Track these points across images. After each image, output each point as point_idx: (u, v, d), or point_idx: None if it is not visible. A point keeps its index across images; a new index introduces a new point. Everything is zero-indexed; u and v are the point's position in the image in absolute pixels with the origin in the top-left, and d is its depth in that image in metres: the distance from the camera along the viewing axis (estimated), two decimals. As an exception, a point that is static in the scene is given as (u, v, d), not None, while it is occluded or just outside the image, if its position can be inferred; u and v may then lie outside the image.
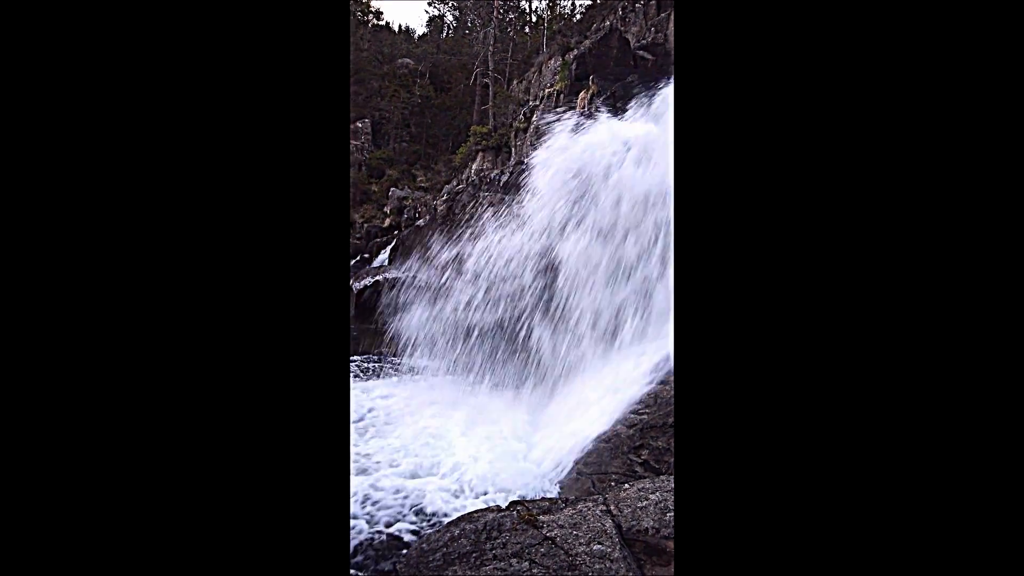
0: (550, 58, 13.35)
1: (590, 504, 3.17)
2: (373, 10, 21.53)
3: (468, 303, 6.99)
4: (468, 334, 6.88)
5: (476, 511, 3.39)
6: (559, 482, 4.74)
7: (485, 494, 4.66)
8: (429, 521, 4.35)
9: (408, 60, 19.35)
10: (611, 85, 9.97)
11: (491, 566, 2.80)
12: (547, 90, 12.18)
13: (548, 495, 4.48)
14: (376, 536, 4.17)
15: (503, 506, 3.40)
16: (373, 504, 4.52)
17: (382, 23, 23.19)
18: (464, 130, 15.76)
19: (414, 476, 4.96)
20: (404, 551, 3.90)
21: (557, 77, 11.99)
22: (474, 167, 13.72)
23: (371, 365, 8.19)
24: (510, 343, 6.56)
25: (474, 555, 2.94)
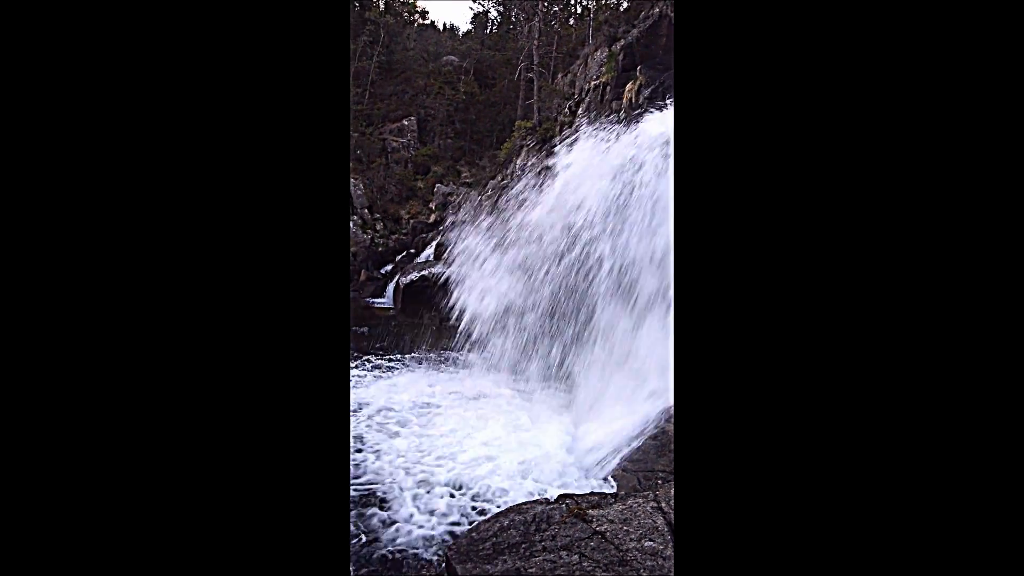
0: (596, 49, 13.16)
1: (640, 500, 3.13)
2: (419, 10, 21.90)
3: (516, 294, 7.01)
4: (515, 327, 6.91)
5: (525, 503, 3.42)
6: (603, 478, 4.71)
7: (523, 486, 4.69)
8: (476, 511, 4.41)
9: (453, 57, 19.56)
10: (660, 75, 9.72)
11: (540, 557, 2.82)
12: (593, 83, 12.01)
13: (591, 491, 4.45)
14: (421, 527, 4.27)
15: (551, 499, 3.41)
16: (417, 497, 4.64)
17: (427, 22, 23.56)
18: (508, 125, 15.79)
19: (458, 468, 5.05)
20: (452, 541, 3.98)
21: (603, 69, 11.80)
22: (518, 162, 13.74)
23: (420, 358, 8.37)
24: (557, 336, 6.54)
25: (523, 546, 2.97)
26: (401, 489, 4.68)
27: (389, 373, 7.60)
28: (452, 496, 4.61)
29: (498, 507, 4.24)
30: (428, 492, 4.63)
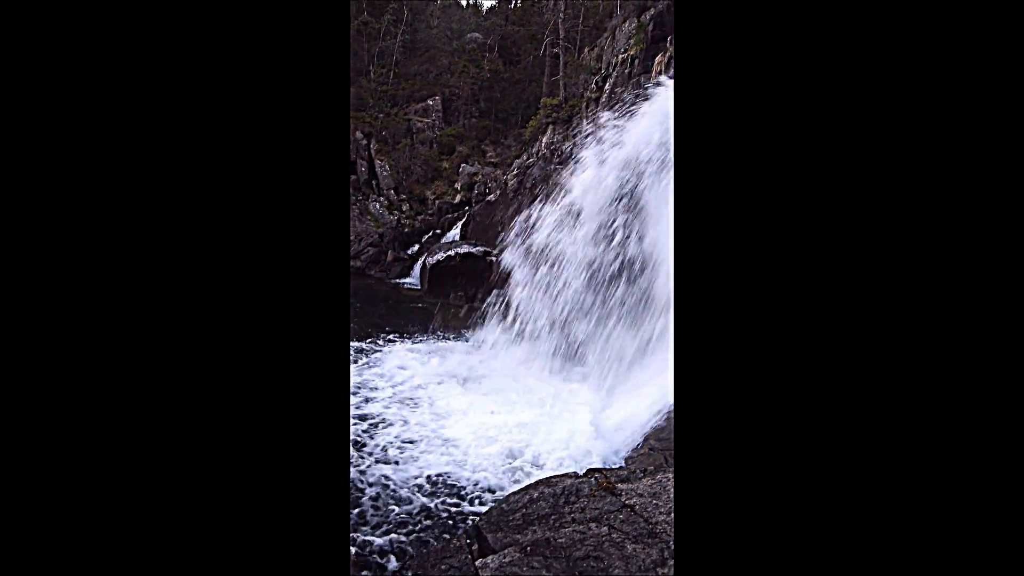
0: (624, 20, 12.77)
1: (669, 475, 3.15)
2: (443, -14, 21.60)
3: (545, 272, 7.02)
4: (545, 306, 6.93)
5: (553, 476, 3.48)
6: (628, 456, 4.74)
7: (543, 464, 4.76)
8: (501, 487, 4.51)
9: (477, 34, 19.29)
10: (690, 47, 9.38)
11: (570, 528, 2.88)
12: (620, 56, 11.70)
13: (620, 466, 4.49)
14: (447, 501, 4.40)
15: (580, 473, 3.47)
16: (442, 472, 4.76)
17: (451, 1, 23.23)
18: (534, 103, 15.57)
19: (486, 443, 5.15)
20: (481, 512, 4.09)
21: (632, 41, 11.46)
22: (544, 140, 13.57)
23: (446, 337, 8.49)
24: (588, 315, 6.54)
25: (553, 517, 3.03)
26: (424, 465, 4.81)
27: (414, 352, 7.74)
28: (480, 472, 4.72)
29: (516, 482, 4.33)
30: (454, 469, 4.75)
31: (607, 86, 11.81)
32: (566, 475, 3.46)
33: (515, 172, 12.79)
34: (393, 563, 3.69)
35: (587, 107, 12.32)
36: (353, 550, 3.76)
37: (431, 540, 3.85)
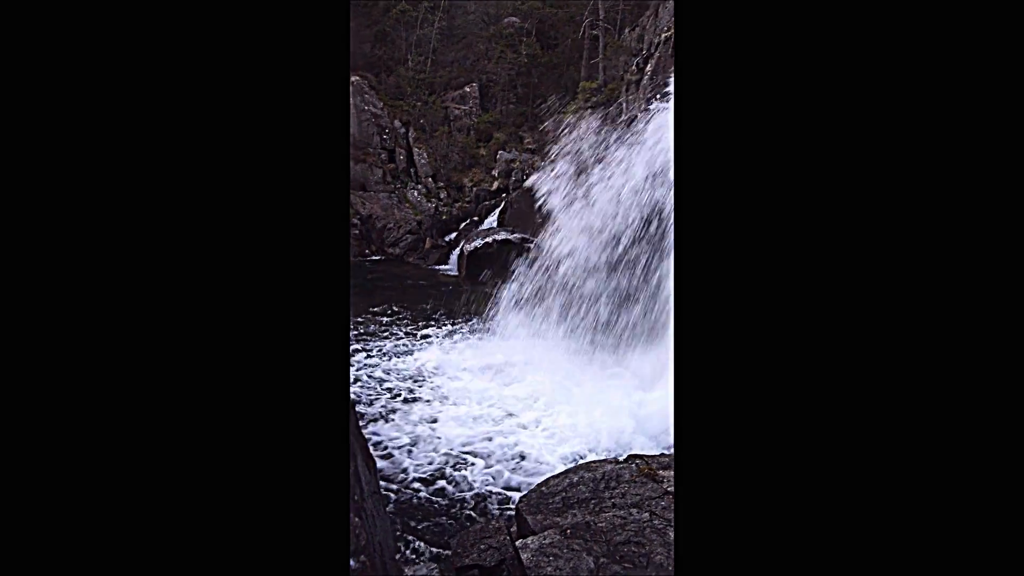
0: (667, -1, 12.33)
1: (713, 464, 3.07)
2: (480, -30, 21.38)
3: (578, 259, 6.95)
4: (579, 293, 6.86)
5: (593, 461, 3.47)
6: (668, 445, 4.66)
7: (582, 450, 4.74)
8: (539, 471, 4.53)
9: (514, 19, 19.06)
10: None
11: (610, 513, 2.87)
12: (664, 35, 11.32)
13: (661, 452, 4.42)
14: (487, 483, 4.45)
15: (620, 459, 3.43)
16: (479, 454, 4.81)
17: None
18: (572, 87, 15.30)
19: (523, 426, 5.18)
20: (517, 495, 4.12)
21: (675, 19, 11.06)
22: (583, 125, 13.34)
23: (483, 325, 8.54)
24: (624, 300, 6.44)
25: (593, 502, 3.02)
26: (461, 450, 4.88)
27: (451, 338, 7.83)
28: (519, 459, 4.75)
29: (553, 467, 4.33)
30: (489, 451, 4.79)
31: (648, 67, 11.47)
32: (606, 461, 3.44)
33: (553, 158, 12.65)
34: (430, 544, 3.77)
35: (627, 90, 12.01)
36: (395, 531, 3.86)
37: (469, 521, 3.92)
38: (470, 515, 4.05)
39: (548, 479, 3.37)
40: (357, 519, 2.09)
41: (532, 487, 3.44)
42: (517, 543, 2.76)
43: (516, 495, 4.17)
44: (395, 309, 9.06)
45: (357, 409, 5.27)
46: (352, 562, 1.90)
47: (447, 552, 3.53)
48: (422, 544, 3.73)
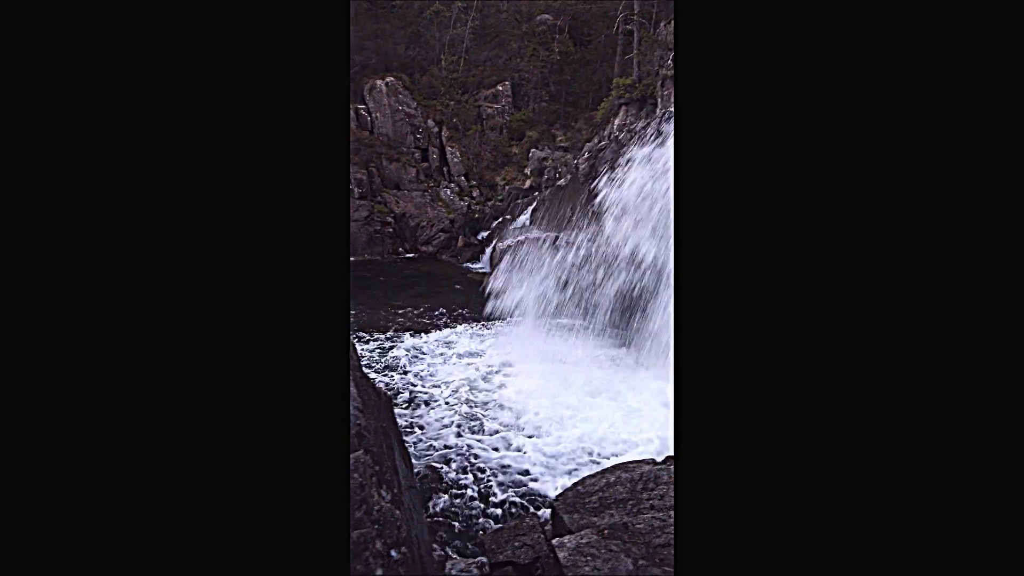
0: (704, -8, 11.99)
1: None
2: (512, -31, 21.35)
3: (606, 260, 6.85)
4: (617, 290, 6.77)
5: (631, 462, 3.41)
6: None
7: (617, 450, 4.66)
8: (575, 470, 4.49)
9: (547, 16, 18.97)
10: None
11: (649, 515, 2.81)
12: (700, 29, 11.02)
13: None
14: (516, 480, 4.43)
15: (658, 459, 3.36)
16: (512, 451, 4.79)
17: (521, -19, 22.94)
18: (605, 84, 15.11)
19: (556, 426, 5.13)
20: (549, 494, 4.09)
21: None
22: (616, 122, 13.17)
23: (517, 321, 8.53)
24: (662, 302, 6.32)
25: (630, 502, 2.97)
26: (492, 445, 4.87)
27: (481, 335, 7.84)
28: (552, 457, 4.72)
29: (580, 468, 4.27)
30: (524, 450, 4.77)
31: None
32: (643, 461, 3.38)
33: (586, 156, 12.54)
34: (465, 540, 3.78)
35: (663, 85, 11.78)
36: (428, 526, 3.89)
37: (502, 519, 3.91)
38: (502, 512, 4.05)
39: (584, 479, 3.33)
40: (397, 511, 2.11)
41: (568, 486, 3.41)
42: (553, 542, 2.74)
43: (550, 494, 4.14)
44: (427, 306, 9.16)
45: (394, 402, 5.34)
46: (393, 553, 1.92)
47: (471, 545, 3.53)
48: (455, 539, 3.75)
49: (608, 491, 3.09)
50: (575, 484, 3.28)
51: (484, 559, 3.13)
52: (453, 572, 2.95)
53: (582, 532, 2.77)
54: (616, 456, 4.53)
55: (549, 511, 3.40)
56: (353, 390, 2.12)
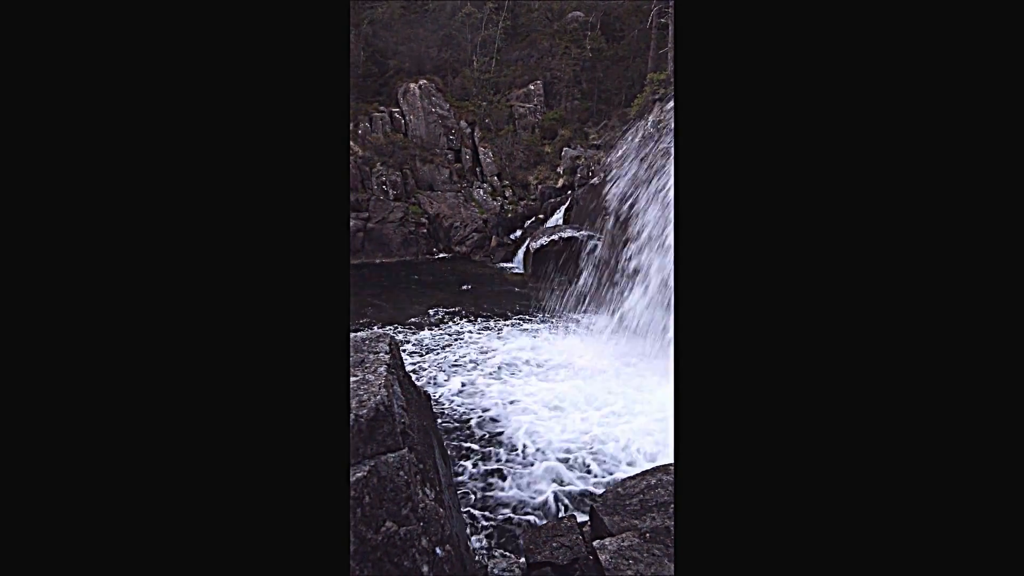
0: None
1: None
2: (543, -33, 21.30)
3: (654, 253, 6.75)
4: (656, 291, 6.67)
5: (672, 464, 3.34)
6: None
7: (656, 453, 4.58)
8: (612, 471, 4.44)
9: (578, 13, 18.83)
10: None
11: (692, 519, 2.75)
12: (738, 20, 10.71)
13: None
14: (557, 481, 4.41)
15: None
16: (551, 453, 4.78)
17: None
18: (639, 80, 14.89)
19: (594, 426, 5.09)
20: (593, 495, 4.06)
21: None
22: (651, 118, 12.95)
23: (554, 321, 8.51)
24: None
25: (671, 505, 2.92)
26: (530, 446, 4.87)
27: (515, 336, 7.85)
28: (591, 457, 4.69)
29: (614, 469, 4.21)
30: (568, 452, 4.75)
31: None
32: (685, 464, 3.31)
33: (619, 154, 12.38)
34: (501, 541, 3.80)
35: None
36: (468, 531, 3.93)
37: (539, 520, 3.91)
38: (539, 512, 4.05)
39: (624, 480, 3.30)
40: (441, 509, 2.14)
41: (608, 487, 3.38)
42: (595, 543, 2.71)
43: (588, 495, 4.12)
44: (457, 308, 9.24)
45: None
46: (439, 551, 1.95)
47: (498, 542, 3.54)
48: (490, 538, 3.77)
49: (649, 493, 3.04)
50: (615, 486, 3.25)
51: (522, 559, 3.14)
52: (495, 571, 2.97)
53: (623, 535, 2.74)
54: (656, 459, 4.46)
55: (589, 512, 3.38)
56: (397, 389, 2.16)
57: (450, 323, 8.39)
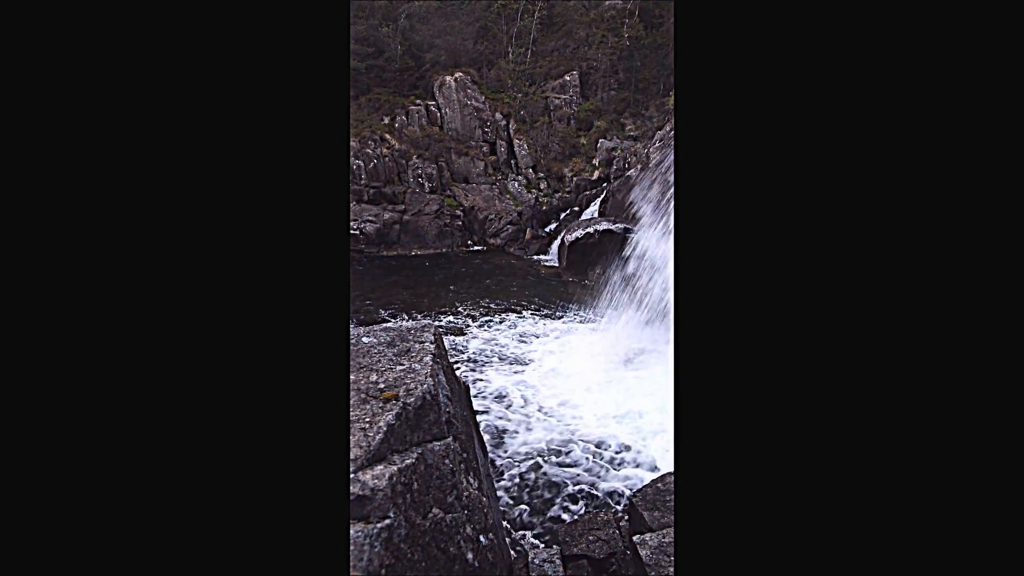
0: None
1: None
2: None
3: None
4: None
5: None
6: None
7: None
8: (651, 465, 4.40)
9: (616, 0, 18.47)
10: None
11: (736, 518, 2.70)
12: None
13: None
14: (593, 474, 4.40)
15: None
16: (586, 446, 4.76)
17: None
18: (678, 68, 14.51)
19: (638, 419, 5.05)
20: (630, 489, 4.04)
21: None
22: (690, 108, 12.61)
23: (590, 314, 8.46)
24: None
25: (714, 504, 2.87)
26: (565, 439, 4.87)
27: (553, 330, 7.84)
28: (625, 450, 4.66)
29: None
30: (598, 442, 4.73)
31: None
32: (728, 462, 3.25)
33: (657, 144, 12.13)
34: (537, 534, 3.82)
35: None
36: (505, 524, 3.98)
37: (574, 513, 3.92)
38: (575, 505, 4.05)
39: (664, 475, 3.26)
40: (484, 499, 2.17)
41: (646, 482, 3.35)
42: (635, 538, 2.70)
43: (625, 489, 4.10)
44: (496, 299, 9.28)
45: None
46: (483, 539, 1.98)
47: (546, 535, 3.56)
48: (526, 532, 3.80)
49: (691, 490, 3.00)
50: (654, 481, 3.22)
51: (559, 549, 3.15)
52: (535, 561, 3.00)
53: (664, 531, 2.71)
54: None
55: (628, 506, 3.36)
56: (443, 378, 2.19)
57: (480, 315, 8.45)
